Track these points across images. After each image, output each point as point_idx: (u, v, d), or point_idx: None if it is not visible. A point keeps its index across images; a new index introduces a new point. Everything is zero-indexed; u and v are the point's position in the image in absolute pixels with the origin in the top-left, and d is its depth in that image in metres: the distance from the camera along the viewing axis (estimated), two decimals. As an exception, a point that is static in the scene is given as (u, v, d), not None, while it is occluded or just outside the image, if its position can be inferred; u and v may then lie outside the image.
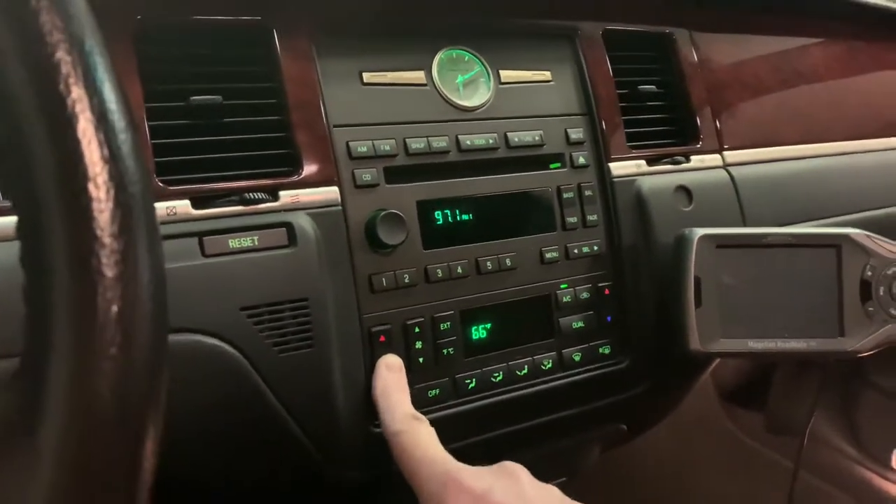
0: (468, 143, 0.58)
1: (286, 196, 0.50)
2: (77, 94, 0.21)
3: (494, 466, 0.45)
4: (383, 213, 0.52)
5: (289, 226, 0.50)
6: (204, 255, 0.47)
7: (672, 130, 0.70)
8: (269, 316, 0.48)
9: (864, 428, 1.12)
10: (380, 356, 0.53)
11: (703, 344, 0.58)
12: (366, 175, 0.53)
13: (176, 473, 0.50)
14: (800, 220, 0.72)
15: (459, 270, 0.56)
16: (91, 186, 0.21)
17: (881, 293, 0.59)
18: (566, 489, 0.45)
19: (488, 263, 0.58)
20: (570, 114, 0.64)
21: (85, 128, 0.21)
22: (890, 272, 0.59)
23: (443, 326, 0.56)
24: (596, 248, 0.63)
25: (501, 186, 0.59)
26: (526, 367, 0.60)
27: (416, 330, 0.55)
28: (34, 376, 0.21)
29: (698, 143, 0.70)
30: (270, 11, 0.52)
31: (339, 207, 0.52)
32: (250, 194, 0.49)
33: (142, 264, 0.22)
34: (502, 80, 0.61)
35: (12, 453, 0.21)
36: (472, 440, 0.58)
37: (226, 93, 0.51)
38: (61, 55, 0.21)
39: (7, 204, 0.24)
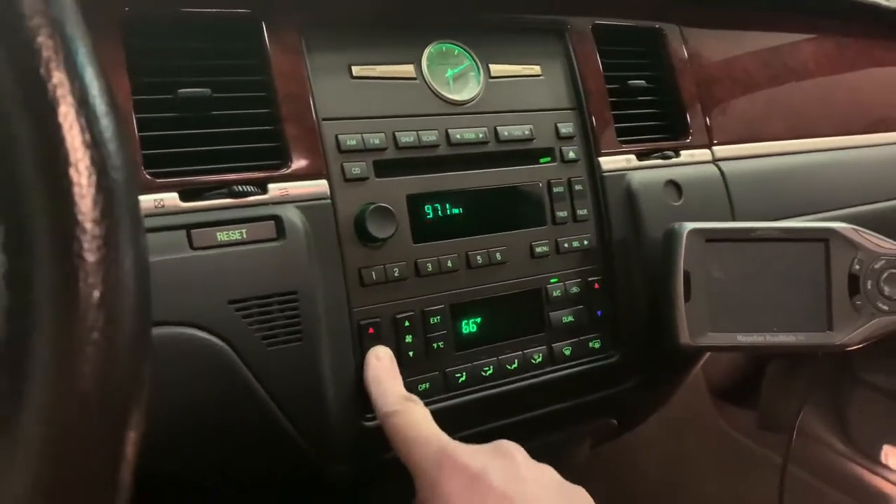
0: (458, 136, 0.58)
1: (275, 189, 0.50)
2: (58, 79, 0.21)
3: (490, 445, 0.45)
4: (373, 206, 0.52)
5: (277, 219, 0.49)
6: (192, 247, 0.47)
7: (662, 125, 0.71)
8: (258, 309, 0.48)
9: (853, 424, 1.12)
10: (369, 349, 0.53)
11: (693, 338, 0.59)
12: (355, 168, 0.53)
13: (165, 469, 0.50)
14: (788, 214, 0.73)
15: (449, 264, 0.56)
16: (72, 171, 0.21)
17: (869, 287, 0.60)
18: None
19: (478, 257, 0.58)
20: (560, 108, 0.64)
21: (66, 112, 0.21)
22: (877, 266, 0.60)
23: (433, 320, 0.56)
24: (586, 242, 0.63)
25: (491, 180, 0.59)
26: (516, 360, 0.60)
27: (406, 324, 0.55)
28: (15, 361, 0.21)
29: (688, 138, 0.70)
30: (259, 4, 0.52)
31: (329, 201, 0.52)
32: (239, 187, 0.49)
33: (124, 249, 0.22)
34: (492, 74, 0.61)
35: (-7, 438, 0.21)
36: (463, 434, 0.57)
37: (214, 86, 0.50)
38: (42, 39, 0.21)
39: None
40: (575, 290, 0.62)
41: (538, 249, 0.60)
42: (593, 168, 0.64)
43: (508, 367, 0.59)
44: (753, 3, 0.80)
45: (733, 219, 0.69)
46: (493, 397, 0.59)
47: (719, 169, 0.70)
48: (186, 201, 0.48)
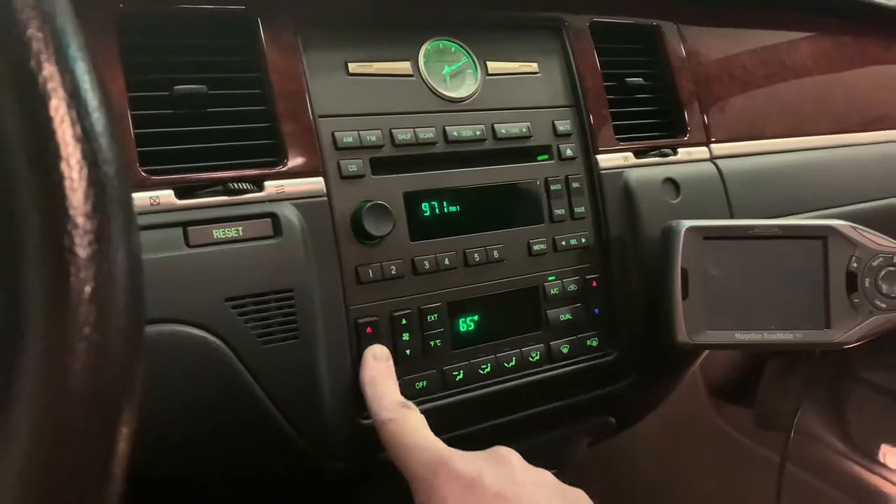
0: (455, 134, 0.57)
1: (271, 186, 0.50)
2: (49, 72, 0.21)
3: (486, 451, 0.45)
4: (369, 204, 0.52)
5: (274, 216, 0.49)
6: (188, 245, 0.46)
7: (659, 123, 0.70)
8: (254, 307, 0.48)
9: (851, 422, 1.12)
10: (366, 347, 0.53)
11: (690, 336, 0.59)
12: (352, 166, 0.53)
13: (162, 467, 0.50)
14: (786, 212, 0.72)
15: (447, 262, 0.56)
16: (63, 165, 0.21)
17: (867, 285, 0.59)
18: (556, 480, 0.45)
19: (476, 255, 0.58)
20: (558, 106, 0.63)
21: (57, 105, 0.21)
22: (875, 264, 0.60)
23: (430, 318, 0.56)
24: (584, 240, 0.63)
25: (489, 178, 0.59)
26: (514, 359, 0.60)
27: (403, 322, 0.55)
28: (6, 356, 0.21)
29: (686, 136, 0.70)
30: (255, 1, 0.52)
31: (325, 198, 0.52)
32: (235, 184, 0.49)
33: (116, 244, 0.22)
34: (489, 71, 0.61)
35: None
36: (460, 432, 0.58)
37: (210, 83, 0.50)
38: (32, 32, 0.21)
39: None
40: (572, 287, 0.62)
41: (536, 247, 0.60)
42: (591, 165, 0.64)
43: (506, 366, 0.59)
44: (751, 1, 0.80)
45: (731, 216, 0.69)
46: (491, 395, 0.58)
47: (717, 167, 0.70)
48: (182, 199, 0.47)
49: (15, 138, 0.21)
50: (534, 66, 0.63)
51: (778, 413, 1.14)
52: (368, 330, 0.53)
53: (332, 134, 0.53)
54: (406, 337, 0.55)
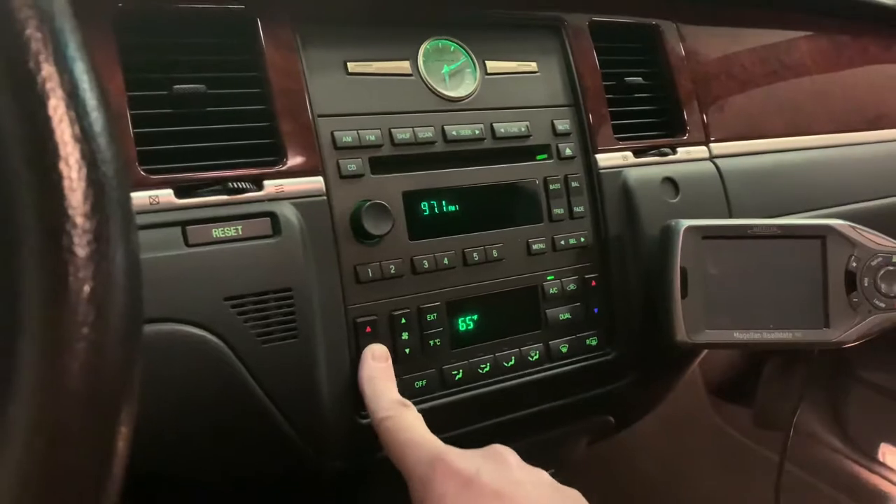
0: (454, 133, 0.57)
1: (270, 186, 0.50)
2: (47, 72, 0.21)
3: (483, 449, 0.45)
4: (368, 203, 0.52)
5: (273, 215, 0.49)
6: (187, 244, 0.46)
7: (659, 122, 0.70)
8: (254, 306, 0.48)
9: (850, 421, 1.13)
10: (365, 347, 0.53)
11: (689, 335, 0.59)
12: (351, 165, 0.53)
13: (161, 466, 0.50)
14: (785, 211, 0.72)
15: (446, 261, 0.56)
16: (62, 165, 0.21)
17: (866, 284, 0.60)
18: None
19: (475, 254, 0.58)
20: (557, 105, 0.63)
21: (56, 105, 0.21)
22: (874, 263, 0.60)
23: (429, 317, 0.56)
24: (583, 239, 0.63)
25: (488, 177, 0.59)
26: (513, 358, 0.60)
27: (403, 321, 0.55)
28: (5, 356, 0.21)
29: (685, 135, 0.70)
30: (254, 0, 0.52)
31: (324, 197, 0.52)
32: (234, 184, 0.49)
33: (115, 244, 0.22)
34: (488, 70, 0.61)
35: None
36: (459, 431, 0.58)
37: (209, 82, 0.50)
38: (31, 32, 0.21)
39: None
40: (571, 287, 0.62)
41: (535, 246, 0.60)
42: (590, 165, 0.64)
43: (505, 365, 0.59)
44: (751, 0, 0.80)
45: (730, 216, 0.69)
46: (490, 395, 0.59)
47: (716, 166, 0.70)
48: (181, 198, 0.47)
49: (13, 138, 0.21)
50: (533, 66, 0.63)
51: (777, 412, 1.14)
52: (367, 329, 0.53)
53: (332, 133, 0.53)
54: (405, 336, 0.55)
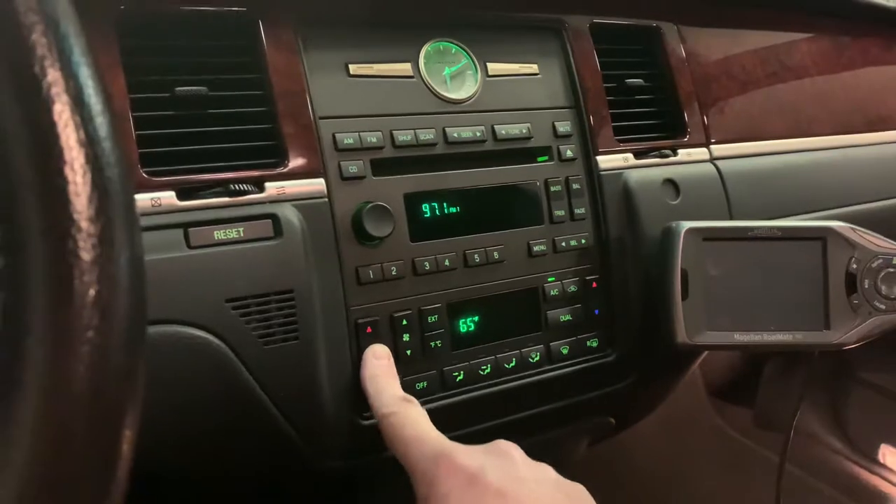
0: (455, 135, 0.58)
1: (272, 188, 0.50)
2: (52, 77, 0.21)
3: (487, 445, 0.45)
4: (370, 205, 0.52)
5: (274, 217, 0.49)
6: (189, 246, 0.47)
7: (659, 124, 0.71)
8: (255, 308, 0.48)
9: (851, 423, 1.13)
10: (366, 348, 0.53)
11: (690, 336, 0.59)
12: (352, 167, 0.53)
13: (163, 467, 0.50)
14: (786, 213, 0.73)
15: (447, 263, 0.56)
16: (67, 169, 0.21)
17: (866, 286, 0.60)
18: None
19: (476, 256, 0.58)
20: (558, 107, 0.64)
21: (61, 110, 0.21)
22: (875, 265, 0.60)
23: (430, 319, 0.56)
24: (583, 241, 0.63)
25: (489, 179, 0.59)
26: (514, 359, 0.60)
27: (404, 322, 0.55)
28: (10, 359, 0.21)
29: (686, 137, 0.70)
30: (256, 2, 0.52)
31: (326, 199, 0.52)
32: (236, 186, 0.49)
33: (119, 247, 0.22)
34: (489, 72, 0.61)
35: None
36: (460, 432, 0.58)
37: (211, 84, 0.50)
38: (36, 37, 0.21)
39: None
40: (572, 288, 0.62)
41: (535, 248, 0.60)
42: (591, 167, 0.64)
43: (506, 366, 0.59)
44: (752, 1, 0.80)
45: (731, 217, 0.69)
46: (491, 396, 0.59)
47: (717, 167, 0.70)
48: (183, 200, 0.48)
49: (19, 142, 0.21)
50: (534, 68, 0.63)
51: (777, 413, 1.15)
52: (368, 330, 0.53)
53: (333, 135, 0.53)
54: (406, 337, 0.55)
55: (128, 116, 0.47)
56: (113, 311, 0.22)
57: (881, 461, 1.07)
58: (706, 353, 0.75)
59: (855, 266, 0.60)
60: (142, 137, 0.48)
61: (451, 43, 0.60)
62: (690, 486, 1.21)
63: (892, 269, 0.60)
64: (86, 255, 0.21)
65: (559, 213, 0.62)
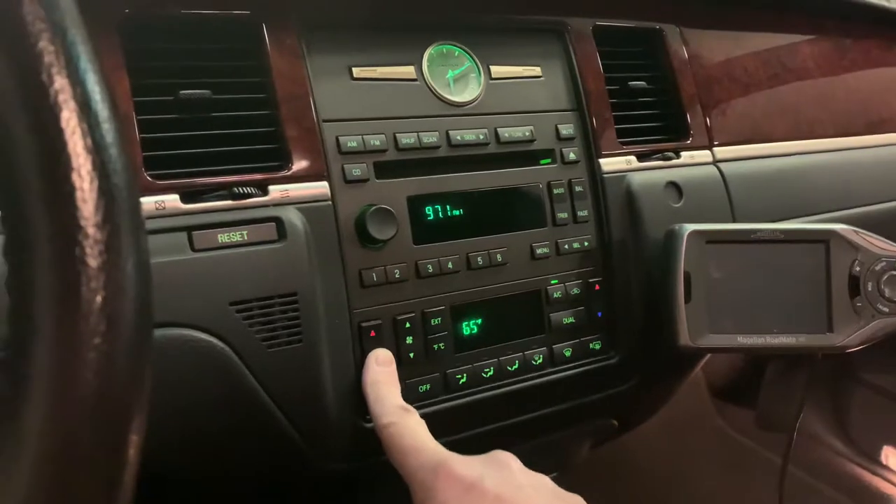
0: (458, 138, 0.58)
1: (275, 191, 0.50)
2: (60, 84, 0.21)
3: (485, 455, 0.46)
4: (373, 208, 0.52)
5: (278, 220, 0.49)
6: (193, 249, 0.47)
7: (662, 126, 0.71)
8: (259, 311, 0.48)
9: (853, 424, 1.12)
10: (370, 351, 0.53)
11: (693, 339, 0.59)
12: (356, 170, 0.53)
13: (166, 470, 0.50)
14: (789, 216, 0.73)
15: (450, 265, 0.56)
16: (74, 176, 0.21)
17: (869, 288, 0.60)
18: (557, 483, 0.46)
19: (479, 259, 0.58)
20: (561, 109, 0.64)
21: (68, 117, 0.21)
22: (878, 268, 0.60)
23: (433, 321, 0.56)
24: (586, 243, 0.63)
25: (492, 182, 0.59)
26: (517, 362, 0.60)
27: (407, 325, 0.55)
28: (17, 366, 0.21)
29: (688, 139, 0.70)
30: (259, 6, 0.52)
31: (329, 202, 0.52)
32: (239, 189, 0.49)
33: (126, 254, 0.22)
34: (493, 75, 0.61)
35: (-4, 440, 0.21)
36: (463, 435, 0.58)
37: (215, 87, 0.50)
38: (44, 45, 0.21)
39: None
40: (575, 291, 0.62)
41: (538, 251, 0.60)
42: (594, 169, 0.64)
43: (509, 369, 0.59)
44: (754, 3, 0.80)
45: (733, 220, 0.69)
46: (494, 398, 0.59)
47: (719, 170, 0.70)
48: (187, 203, 0.48)
49: (26, 150, 0.21)
50: (537, 70, 0.63)
51: (780, 415, 1.14)
52: (372, 333, 0.53)
53: (336, 138, 0.53)
54: (409, 340, 0.55)
55: (132, 120, 0.47)
56: (119, 317, 0.22)
57: (883, 463, 1.07)
58: (709, 355, 0.75)
59: (858, 269, 0.60)
60: (145, 140, 0.48)
61: (455, 46, 0.60)
62: (692, 487, 1.21)
63: (895, 272, 0.60)
64: (93, 261, 0.21)
65: (562, 215, 0.62)
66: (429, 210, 0.56)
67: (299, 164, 0.52)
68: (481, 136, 0.59)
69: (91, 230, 0.21)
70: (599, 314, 0.63)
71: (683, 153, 0.69)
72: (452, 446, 0.46)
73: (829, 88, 0.86)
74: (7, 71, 0.21)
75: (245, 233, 0.48)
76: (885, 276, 0.59)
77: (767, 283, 0.60)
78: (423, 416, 0.49)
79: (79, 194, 0.21)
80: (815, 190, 0.77)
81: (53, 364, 0.21)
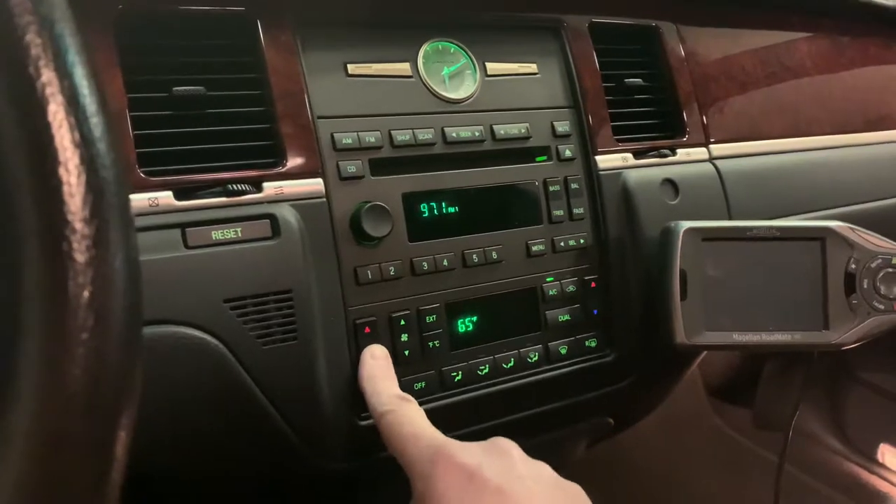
0: (454, 135, 0.57)
1: (270, 188, 0.50)
2: (47, 77, 0.21)
3: (485, 442, 0.45)
4: (368, 205, 0.52)
5: (272, 217, 0.49)
6: (187, 246, 0.46)
7: (658, 123, 0.70)
8: (253, 308, 0.48)
9: (850, 423, 1.13)
10: (365, 348, 0.53)
11: (689, 337, 0.59)
12: (350, 167, 0.53)
13: (161, 468, 0.50)
14: (785, 213, 0.73)
15: (445, 263, 0.56)
16: (62, 170, 0.21)
17: (865, 286, 0.60)
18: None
19: (474, 256, 0.58)
20: (557, 106, 0.63)
21: (55, 111, 0.21)
22: (874, 265, 0.60)
23: (428, 319, 0.56)
24: (582, 241, 0.63)
25: (487, 179, 0.59)
26: (512, 359, 0.60)
27: (402, 322, 0.55)
28: (5, 360, 0.21)
29: (685, 137, 0.70)
30: (254, 2, 0.52)
31: (324, 199, 0.52)
32: (234, 186, 0.49)
33: (114, 249, 0.22)
34: (488, 72, 0.61)
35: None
36: (459, 433, 0.57)
37: (209, 84, 0.50)
38: (31, 37, 0.21)
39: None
40: (571, 288, 0.62)
41: (534, 248, 0.60)
42: (590, 166, 0.64)
43: (504, 367, 0.59)
44: (751, 1, 0.80)
45: (730, 217, 0.69)
46: (489, 396, 0.59)
47: (716, 167, 0.70)
48: (181, 200, 0.48)
49: (13, 143, 0.21)
50: (533, 67, 0.63)
51: (777, 414, 1.14)
52: (367, 330, 0.53)
53: (331, 135, 0.53)
54: (404, 338, 0.55)
55: (125, 116, 0.47)
56: (108, 312, 0.21)
57: (880, 461, 1.07)
58: (705, 353, 0.75)
59: (854, 266, 0.60)
60: (139, 137, 0.47)
61: (450, 42, 0.60)
62: (689, 486, 1.21)
63: (891, 269, 0.60)
64: (80, 256, 0.21)
65: (558, 212, 0.61)
66: (424, 207, 0.56)
67: (294, 161, 0.51)
68: (477, 133, 0.58)
69: (78, 225, 0.21)
70: (595, 312, 0.63)
71: (680, 150, 0.69)
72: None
73: (827, 86, 0.86)
74: None
75: (239, 230, 0.48)
76: (881, 274, 0.59)
77: (763, 281, 0.60)
78: None
79: (66, 189, 0.21)
80: (812, 187, 0.77)
81: (41, 359, 0.21)
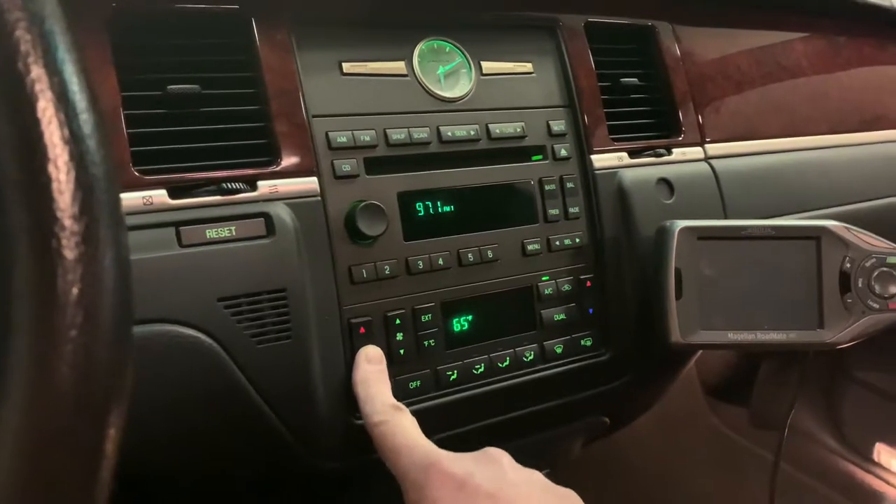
0: (449, 134, 0.57)
1: (265, 186, 0.50)
2: (36, 74, 0.21)
3: (476, 452, 0.45)
4: (363, 203, 0.52)
5: (267, 216, 0.49)
6: (181, 245, 0.46)
7: (654, 123, 0.70)
8: (247, 307, 0.48)
9: (845, 421, 1.13)
10: (360, 348, 0.53)
11: (684, 336, 0.59)
12: (345, 165, 0.53)
13: (156, 468, 0.50)
14: (780, 212, 0.73)
15: (440, 262, 0.56)
16: (51, 167, 0.21)
17: (860, 285, 0.60)
18: (549, 480, 0.45)
19: (470, 255, 0.58)
20: (552, 106, 0.63)
21: (45, 107, 0.21)
22: (868, 264, 0.60)
23: (424, 318, 0.56)
24: (578, 240, 0.63)
25: (483, 178, 0.59)
26: (508, 359, 0.60)
27: (397, 322, 0.55)
28: (-5, 358, 0.21)
29: (680, 136, 0.70)
30: (249, 1, 0.52)
31: (319, 198, 0.52)
32: (228, 184, 0.49)
33: (103, 246, 0.22)
34: (484, 71, 0.61)
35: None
36: (454, 432, 0.58)
37: (204, 82, 0.50)
38: (21, 33, 0.21)
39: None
40: (566, 288, 0.62)
41: (530, 247, 0.60)
42: (585, 166, 0.64)
43: (500, 366, 0.59)
44: (747, 1, 0.80)
45: (725, 217, 0.69)
46: (485, 395, 0.59)
47: (711, 167, 0.70)
48: (175, 199, 0.47)
49: (2, 139, 0.21)
50: (528, 66, 0.63)
51: (773, 413, 1.15)
52: (361, 330, 0.53)
53: (326, 134, 0.53)
54: (400, 337, 0.55)
55: (120, 115, 0.47)
56: (97, 310, 0.21)
57: (875, 459, 1.07)
58: (700, 352, 0.75)
59: (849, 265, 0.60)
60: (134, 136, 0.47)
61: (446, 41, 0.60)
62: (685, 485, 1.21)
63: (885, 269, 0.60)
64: (69, 253, 0.21)
65: (553, 212, 0.61)
66: (419, 206, 0.56)
67: (289, 160, 0.51)
68: (472, 132, 0.58)
69: (68, 222, 0.21)
70: (591, 311, 0.63)
71: (675, 150, 0.69)
72: (443, 443, 0.46)
73: (823, 86, 0.86)
74: None
75: (233, 228, 0.48)
76: (876, 273, 0.60)
77: (758, 280, 0.60)
78: (413, 412, 0.49)
79: (55, 185, 0.21)
80: (807, 187, 0.77)
81: (30, 356, 0.21)
